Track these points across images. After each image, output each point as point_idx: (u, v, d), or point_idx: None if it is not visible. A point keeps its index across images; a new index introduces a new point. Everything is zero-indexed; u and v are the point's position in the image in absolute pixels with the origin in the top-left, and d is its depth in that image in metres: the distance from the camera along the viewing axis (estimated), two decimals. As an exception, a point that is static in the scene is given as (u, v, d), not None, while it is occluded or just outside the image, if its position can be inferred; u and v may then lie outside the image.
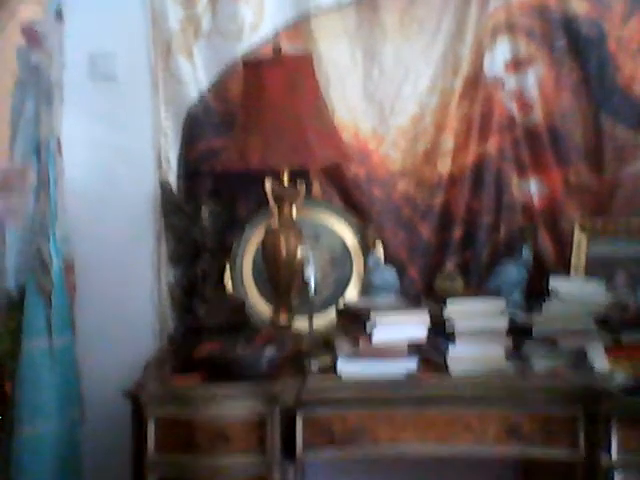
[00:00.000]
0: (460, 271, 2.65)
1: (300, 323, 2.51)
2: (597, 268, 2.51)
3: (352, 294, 2.67)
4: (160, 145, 2.73)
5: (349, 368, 2.25)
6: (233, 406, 2.16)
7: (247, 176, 2.61)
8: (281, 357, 2.29)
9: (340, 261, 2.69)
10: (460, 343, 2.26)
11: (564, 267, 2.59)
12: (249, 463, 2.17)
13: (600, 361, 2.21)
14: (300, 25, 2.72)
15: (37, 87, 2.52)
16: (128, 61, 2.74)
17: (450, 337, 2.27)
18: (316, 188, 2.72)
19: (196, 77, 2.72)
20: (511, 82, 2.70)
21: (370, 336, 2.21)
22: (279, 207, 2.53)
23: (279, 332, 2.44)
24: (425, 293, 2.59)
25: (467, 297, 2.39)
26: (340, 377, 2.24)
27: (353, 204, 2.72)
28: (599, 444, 2.14)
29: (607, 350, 2.24)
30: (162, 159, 2.73)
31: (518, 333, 2.32)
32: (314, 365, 2.30)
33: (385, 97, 2.72)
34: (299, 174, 2.58)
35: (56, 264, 2.46)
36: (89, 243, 2.69)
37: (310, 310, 2.37)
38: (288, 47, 2.67)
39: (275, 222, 2.54)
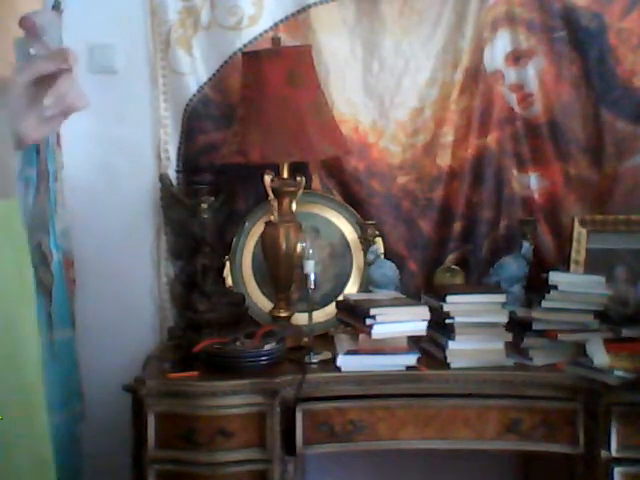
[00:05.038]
0: (460, 265, 2.65)
1: (300, 317, 2.51)
2: (597, 262, 2.50)
3: (352, 288, 2.66)
4: (159, 138, 2.73)
5: (349, 362, 2.25)
6: (233, 401, 2.17)
7: (247, 170, 2.61)
8: (281, 351, 2.30)
9: (340, 255, 2.68)
10: (460, 338, 2.26)
11: (564, 261, 2.59)
12: (249, 457, 2.17)
13: (600, 356, 2.21)
14: (299, 17, 2.70)
15: (36, 80, 2.51)
16: (127, 53, 2.73)
17: (450, 331, 2.27)
18: (316, 182, 2.71)
19: (195, 69, 2.71)
20: (511, 75, 2.69)
21: (370, 330, 2.20)
22: (279, 201, 2.53)
23: (279, 327, 2.44)
24: (425, 287, 2.58)
25: (467, 291, 2.39)
26: (340, 372, 2.24)
27: (353, 198, 2.71)
28: (599, 439, 2.14)
29: (607, 345, 2.24)
30: (161, 152, 2.72)
31: (518, 327, 2.32)
32: (314, 359, 2.30)
33: (385, 90, 2.70)
34: (298, 168, 2.58)
35: (56, 258, 2.45)
36: (88, 237, 2.68)
37: (310, 304, 2.37)
38: (287, 39, 2.66)
39: (275, 216, 2.53)
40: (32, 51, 2.01)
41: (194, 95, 2.71)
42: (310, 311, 2.37)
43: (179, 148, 2.74)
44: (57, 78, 1.15)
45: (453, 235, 2.69)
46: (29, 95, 1.16)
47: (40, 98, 1.15)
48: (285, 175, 2.54)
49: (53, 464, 1.24)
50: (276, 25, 2.69)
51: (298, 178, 2.54)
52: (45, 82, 1.16)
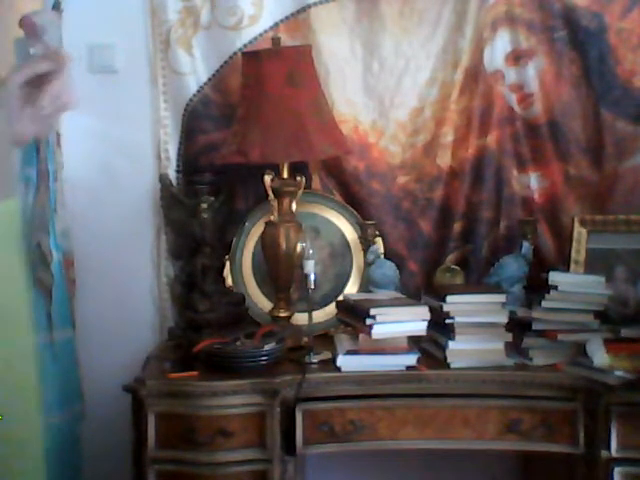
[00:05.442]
0: (460, 265, 2.65)
1: (300, 317, 2.51)
2: (597, 262, 2.50)
3: (352, 288, 2.66)
4: (159, 138, 2.73)
5: (349, 362, 2.25)
6: (233, 401, 2.17)
7: (247, 170, 2.61)
8: (281, 351, 2.30)
9: (340, 255, 2.68)
10: (460, 338, 2.26)
11: (564, 261, 2.59)
12: (249, 457, 2.17)
13: (600, 356, 2.21)
14: (299, 17, 2.70)
15: (36, 80, 2.50)
16: (127, 53, 2.73)
17: (450, 331, 2.27)
18: (316, 182, 2.72)
19: (195, 69, 2.71)
20: (511, 75, 2.69)
21: (370, 330, 2.20)
22: (279, 201, 2.53)
23: (279, 326, 2.44)
24: (425, 287, 2.58)
25: (467, 291, 2.39)
26: (340, 372, 2.24)
27: (353, 198, 2.71)
28: (599, 439, 2.14)
29: (607, 345, 2.24)
30: (161, 152, 2.73)
31: (518, 327, 2.32)
32: (314, 359, 2.30)
33: (385, 90, 2.70)
34: (298, 168, 2.58)
35: (56, 258, 2.46)
36: (88, 237, 2.68)
37: (310, 304, 2.37)
38: (287, 39, 2.66)
39: (275, 216, 2.53)
40: (32, 51, 2.01)
41: (194, 95, 2.71)
42: (310, 311, 2.37)
43: (179, 148, 2.74)
44: (51, 78, 1.16)
45: (453, 235, 2.69)
46: (24, 95, 1.17)
47: (34, 98, 1.16)
48: (285, 175, 2.54)
49: (45, 464, 1.24)
50: (276, 25, 2.69)
51: (298, 178, 2.54)
52: (38, 82, 1.17)
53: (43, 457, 1.26)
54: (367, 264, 2.61)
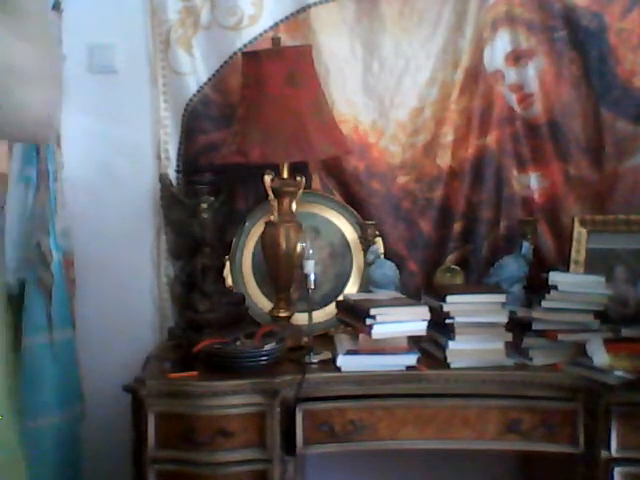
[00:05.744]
0: (460, 265, 2.65)
1: (300, 317, 2.51)
2: (597, 262, 2.50)
3: (352, 288, 2.66)
4: (159, 138, 2.73)
5: (349, 362, 2.24)
6: (233, 401, 2.16)
7: (247, 170, 2.61)
8: (281, 351, 2.29)
9: (340, 255, 2.68)
10: (460, 338, 2.26)
11: (564, 261, 2.59)
12: (249, 457, 2.17)
13: (600, 356, 2.21)
14: (299, 17, 2.70)
15: (36, 80, 2.50)
16: (127, 53, 2.73)
17: (450, 331, 2.27)
18: (316, 182, 2.72)
19: (195, 69, 2.71)
20: (511, 75, 2.69)
21: (370, 330, 2.20)
22: (279, 201, 2.53)
23: (279, 326, 2.44)
24: (425, 287, 2.58)
25: (467, 291, 2.38)
26: (340, 372, 2.23)
27: (353, 198, 2.71)
28: (599, 439, 2.14)
29: (607, 345, 2.24)
30: (161, 152, 2.73)
31: (518, 327, 2.32)
32: (314, 359, 2.30)
33: (385, 90, 2.70)
34: (298, 168, 2.58)
35: (56, 258, 2.46)
36: (88, 237, 2.69)
37: (310, 304, 2.37)
38: (287, 39, 2.66)
39: (275, 216, 2.53)
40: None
41: (194, 95, 2.71)
42: (310, 311, 2.37)
43: (179, 148, 2.74)
44: None
45: (453, 235, 2.69)
46: None
47: None
48: (285, 175, 2.54)
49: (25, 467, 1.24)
50: (276, 25, 2.69)
51: (298, 178, 2.54)
52: None
53: (24, 459, 1.25)
54: (367, 264, 2.61)
